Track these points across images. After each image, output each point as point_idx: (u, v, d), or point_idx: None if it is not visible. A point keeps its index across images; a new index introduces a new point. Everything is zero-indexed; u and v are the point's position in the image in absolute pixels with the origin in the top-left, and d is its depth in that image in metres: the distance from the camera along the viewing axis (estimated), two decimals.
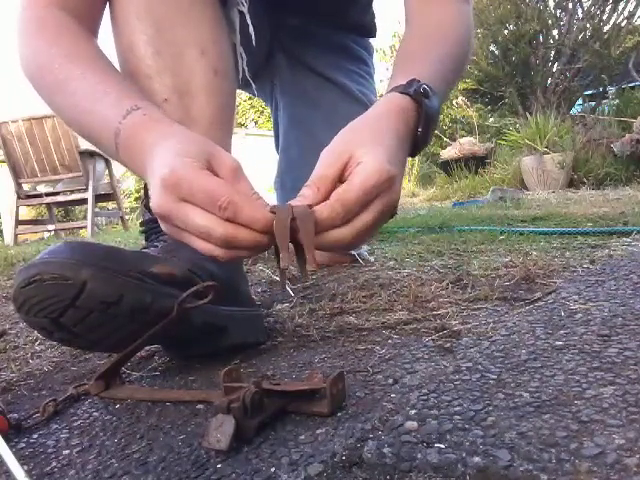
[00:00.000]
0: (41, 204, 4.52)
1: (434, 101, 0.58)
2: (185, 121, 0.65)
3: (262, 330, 0.69)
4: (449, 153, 5.53)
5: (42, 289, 0.49)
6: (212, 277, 0.59)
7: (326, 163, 0.50)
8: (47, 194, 3.93)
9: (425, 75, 0.61)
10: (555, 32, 5.59)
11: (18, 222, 3.98)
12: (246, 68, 0.82)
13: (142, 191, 0.68)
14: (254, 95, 1.27)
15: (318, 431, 0.41)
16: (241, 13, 0.76)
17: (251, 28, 0.77)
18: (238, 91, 0.95)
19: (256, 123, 12.85)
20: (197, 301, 0.53)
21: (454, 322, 0.65)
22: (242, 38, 0.78)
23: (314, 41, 1.11)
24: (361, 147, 0.50)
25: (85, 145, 3.64)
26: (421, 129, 0.58)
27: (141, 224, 0.71)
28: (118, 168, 6.85)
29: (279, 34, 1.10)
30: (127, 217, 4.48)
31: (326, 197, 0.48)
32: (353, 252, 1.14)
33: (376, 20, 1.17)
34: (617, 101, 4.78)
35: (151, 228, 0.68)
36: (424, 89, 0.57)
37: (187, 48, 0.67)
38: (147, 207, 0.70)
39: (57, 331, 0.53)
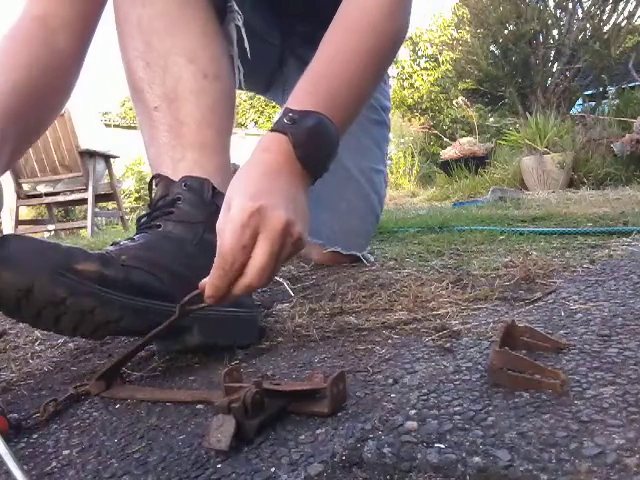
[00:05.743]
0: (41, 204, 4.52)
1: (308, 121, 0.59)
2: (174, 125, 0.70)
3: (255, 332, 0.69)
4: (449, 153, 5.53)
5: None
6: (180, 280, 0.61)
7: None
8: (47, 194, 3.93)
9: (314, 93, 0.62)
10: (555, 32, 5.60)
11: (18, 222, 3.98)
12: (242, 79, 0.86)
13: (142, 191, 0.69)
14: (270, 99, 1.30)
15: (318, 431, 0.41)
16: (237, 27, 0.80)
17: (246, 42, 0.81)
18: (239, 91, 0.97)
19: (256, 123, 12.86)
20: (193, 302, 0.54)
21: (454, 322, 0.65)
22: (251, 50, 0.82)
23: None
24: (232, 196, 0.53)
25: (85, 145, 3.64)
26: (298, 151, 0.58)
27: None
28: (118, 168, 6.84)
29: (290, 40, 1.11)
30: (127, 217, 4.47)
31: None
32: (359, 255, 1.14)
33: None
34: (617, 101, 4.78)
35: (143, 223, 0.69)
36: (290, 117, 0.58)
37: (174, 57, 0.71)
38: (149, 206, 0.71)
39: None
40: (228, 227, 0.51)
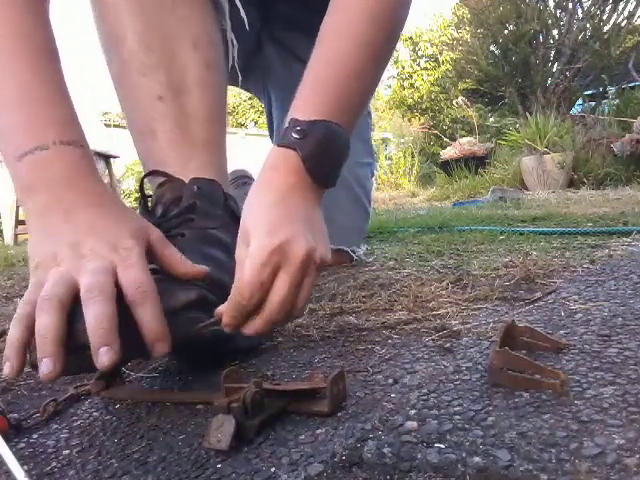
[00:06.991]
0: None
1: (316, 132, 0.56)
2: (180, 118, 0.66)
3: None
4: (449, 153, 5.54)
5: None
6: (222, 289, 0.57)
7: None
8: None
9: (318, 99, 0.59)
10: (555, 32, 5.60)
11: (18, 222, 3.98)
12: (236, 56, 0.79)
13: (139, 193, 0.67)
14: (245, 89, 1.25)
15: (318, 431, 0.41)
16: None
17: (242, 11, 0.75)
18: (239, 91, 0.95)
19: (256, 123, 12.85)
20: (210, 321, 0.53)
21: (454, 322, 0.65)
22: (232, 25, 0.75)
23: (304, 30, 1.08)
24: (249, 228, 0.52)
25: None
26: (308, 165, 0.55)
27: None
28: (118, 168, 6.84)
29: (269, 23, 1.09)
30: None
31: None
32: (349, 250, 1.14)
33: None
34: (617, 101, 4.79)
35: None
36: (298, 130, 0.56)
37: (179, 42, 0.65)
38: (145, 207, 0.69)
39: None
40: (247, 263, 0.49)
